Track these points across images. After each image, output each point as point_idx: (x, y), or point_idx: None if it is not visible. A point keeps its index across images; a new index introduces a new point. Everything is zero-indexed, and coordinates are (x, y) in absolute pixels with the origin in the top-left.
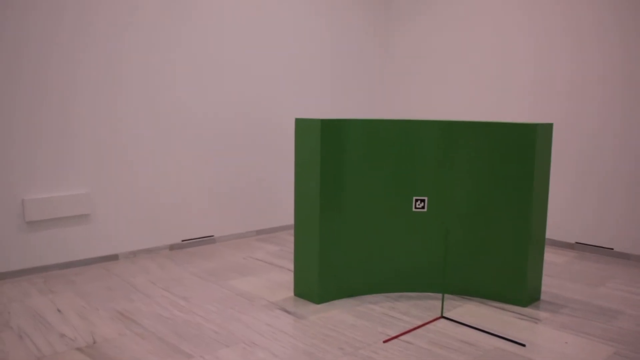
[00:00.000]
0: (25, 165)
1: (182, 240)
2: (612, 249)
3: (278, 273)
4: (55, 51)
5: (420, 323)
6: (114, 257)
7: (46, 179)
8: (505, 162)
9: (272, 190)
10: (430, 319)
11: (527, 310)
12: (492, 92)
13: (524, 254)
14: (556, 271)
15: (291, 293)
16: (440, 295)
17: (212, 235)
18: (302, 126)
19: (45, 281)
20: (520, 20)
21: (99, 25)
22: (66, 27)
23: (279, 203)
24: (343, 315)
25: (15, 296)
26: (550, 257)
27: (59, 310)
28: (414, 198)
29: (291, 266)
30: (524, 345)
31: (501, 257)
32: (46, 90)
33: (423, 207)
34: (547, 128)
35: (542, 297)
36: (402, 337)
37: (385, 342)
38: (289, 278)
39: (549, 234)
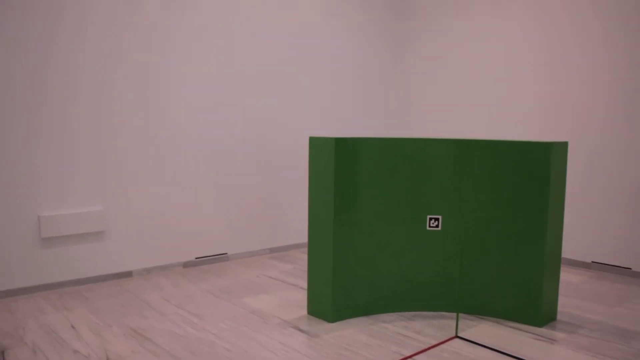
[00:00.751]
0: (42, 183)
1: (196, 258)
2: (630, 268)
3: (291, 291)
4: (78, 61)
5: (434, 343)
6: (127, 274)
7: (62, 196)
8: (520, 181)
9: (285, 208)
10: (445, 338)
11: (543, 330)
12: (506, 109)
13: (539, 273)
14: (572, 291)
15: (304, 311)
16: (454, 314)
17: (226, 253)
18: (316, 144)
19: (60, 297)
20: (532, 37)
21: (123, 45)
22: (92, 41)
23: (293, 221)
24: (357, 334)
25: (30, 312)
26: (567, 276)
27: (72, 327)
28: (428, 216)
29: (304, 284)
30: None
31: (516, 276)
32: (67, 110)
33: (437, 226)
34: (562, 147)
35: (559, 317)
36: (416, 357)
37: None
38: (302, 296)
39: (565, 253)
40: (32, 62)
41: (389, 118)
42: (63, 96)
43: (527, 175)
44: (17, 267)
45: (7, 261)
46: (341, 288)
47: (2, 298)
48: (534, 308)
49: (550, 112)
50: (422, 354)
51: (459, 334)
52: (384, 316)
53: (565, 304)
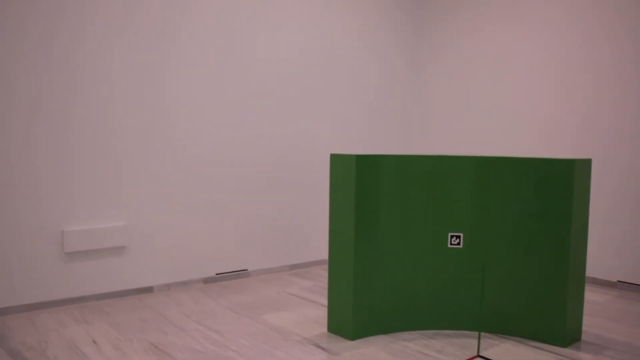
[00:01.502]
0: (66, 198)
1: (216, 274)
2: None
3: (312, 308)
4: (104, 83)
5: None
6: (148, 290)
7: (85, 211)
8: (543, 198)
9: (306, 224)
10: (466, 358)
11: (567, 351)
12: (527, 125)
13: (563, 292)
14: (598, 311)
15: (325, 329)
16: (476, 333)
17: (246, 269)
18: (337, 162)
19: (81, 311)
20: (550, 54)
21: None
22: (118, 61)
23: (313, 238)
24: (377, 353)
25: (52, 326)
26: (592, 295)
27: (94, 341)
28: (450, 234)
29: (325, 301)
30: None
31: (540, 294)
32: (92, 128)
33: (459, 244)
34: (586, 164)
35: (583, 337)
36: None
37: None
38: (322, 313)
39: (590, 272)
40: (58, 80)
41: (409, 135)
42: (89, 114)
43: (550, 192)
44: (41, 280)
45: (30, 275)
46: (362, 305)
47: (25, 311)
48: (558, 328)
49: (575, 128)
50: None
51: (481, 354)
52: (405, 334)
53: (591, 324)
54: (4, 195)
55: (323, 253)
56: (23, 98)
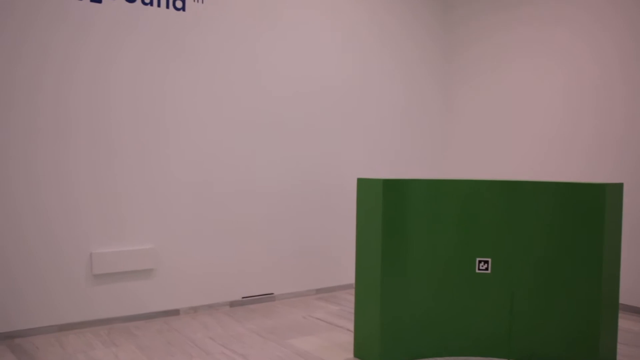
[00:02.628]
0: (95, 221)
1: (242, 297)
2: None
3: (338, 333)
4: (138, 110)
5: None
6: (175, 312)
7: (113, 234)
8: (574, 223)
9: (332, 248)
10: None
11: None
12: (557, 149)
13: (595, 320)
14: (633, 339)
15: (351, 354)
16: None
17: (272, 293)
18: (364, 186)
19: (109, 333)
20: (582, 77)
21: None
22: (147, 81)
23: (340, 262)
24: None
25: (80, 347)
26: (626, 324)
27: None
28: (477, 259)
29: (351, 326)
30: None
31: (571, 322)
32: (121, 152)
33: (487, 269)
34: (617, 188)
35: None
36: None
37: None
38: (349, 339)
39: (624, 299)
40: (90, 104)
41: (437, 159)
42: (120, 139)
43: (580, 217)
44: (69, 302)
45: (59, 296)
46: (388, 331)
47: (53, 332)
48: (590, 356)
49: (606, 153)
50: None
51: None
52: None
53: (625, 353)
54: (34, 217)
55: (350, 277)
56: (50, 122)
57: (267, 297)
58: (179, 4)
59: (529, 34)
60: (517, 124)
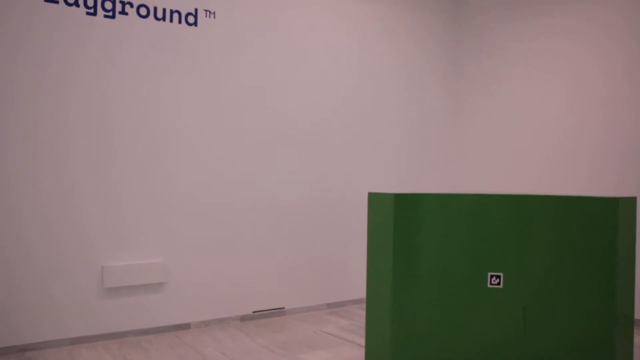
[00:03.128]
0: (106, 234)
1: (253, 312)
2: None
3: (349, 348)
4: (150, 124)
5: None
6: (186, 326)
7: (125, 248)
8: (586, 237)
9: (343, 263)
10: None
11: None
12: (569, 163)
13: (610, 336)
14: None
15: None
16: None
17: (283, 308)
18: (375, 200)
19: (120, 347)
20: (592, 90)
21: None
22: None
23: (351, 276)
24: None
25: None
26: None
27: None
28: (489, 274)
29: (362, 341)
30: None
31: (584, 338)
32: (132, 166)
33: (499, 284)
34: (631, 202)
35: None
36: None
37: None
38: (359, 353)
39: (639, 314)
40: (98, 119)
41: (448, 173)
42: (129, 152)
43: (593, 231)
44: (80, 315)
45: (70, 309)
46: (399, 346)
47: (65, 345)
48: None
49: (619, 166)
50: None
51: None
52: None
53: None
54: (46, 230)
55: (361, 292)
56: (54, 134)
57: (278, 311)
58: (190, 19)
59: (538, 47)
60: (528, 137)
